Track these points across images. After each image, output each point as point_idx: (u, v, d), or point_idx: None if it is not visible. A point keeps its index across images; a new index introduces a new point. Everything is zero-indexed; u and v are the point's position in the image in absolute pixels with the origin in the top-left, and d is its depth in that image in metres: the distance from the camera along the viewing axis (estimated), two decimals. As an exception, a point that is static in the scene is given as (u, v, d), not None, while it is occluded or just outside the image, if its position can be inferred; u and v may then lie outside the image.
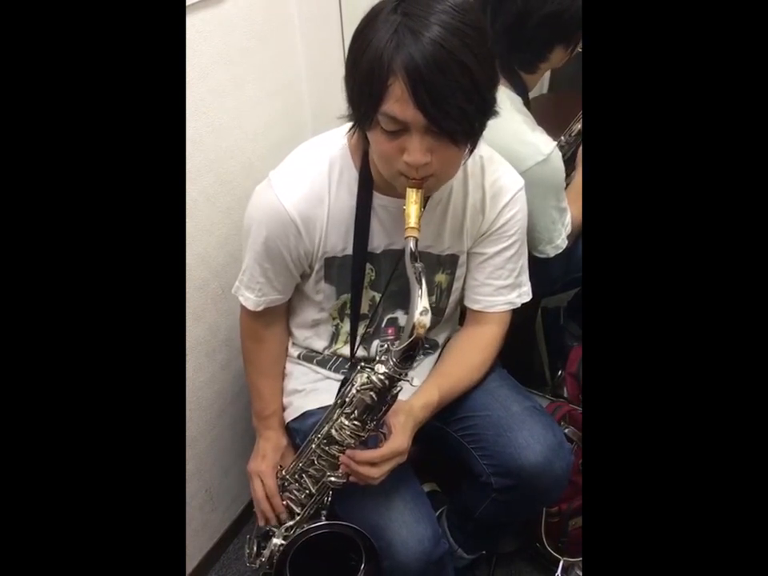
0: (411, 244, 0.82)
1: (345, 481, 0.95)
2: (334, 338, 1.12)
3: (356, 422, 0.91)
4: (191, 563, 1.38)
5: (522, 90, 1.20)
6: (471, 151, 0.87)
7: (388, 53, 0.74)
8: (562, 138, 1.38)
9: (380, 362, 0.87)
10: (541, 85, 2.20)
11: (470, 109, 0.78)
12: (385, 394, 0.88)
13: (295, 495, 1.03)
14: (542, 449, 1.01)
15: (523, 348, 1.72)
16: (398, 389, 0.89)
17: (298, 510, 1.03)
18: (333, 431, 0.93)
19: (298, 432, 1.12)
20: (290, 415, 1.14)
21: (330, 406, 0.97)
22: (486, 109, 0.81)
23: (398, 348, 0.84)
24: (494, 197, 1.02)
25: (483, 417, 1.07)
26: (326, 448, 0.95)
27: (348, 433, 0.91)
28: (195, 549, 1.40)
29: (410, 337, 0.80)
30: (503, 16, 1.11)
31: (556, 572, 1.35)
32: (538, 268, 1.24)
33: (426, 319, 0.79)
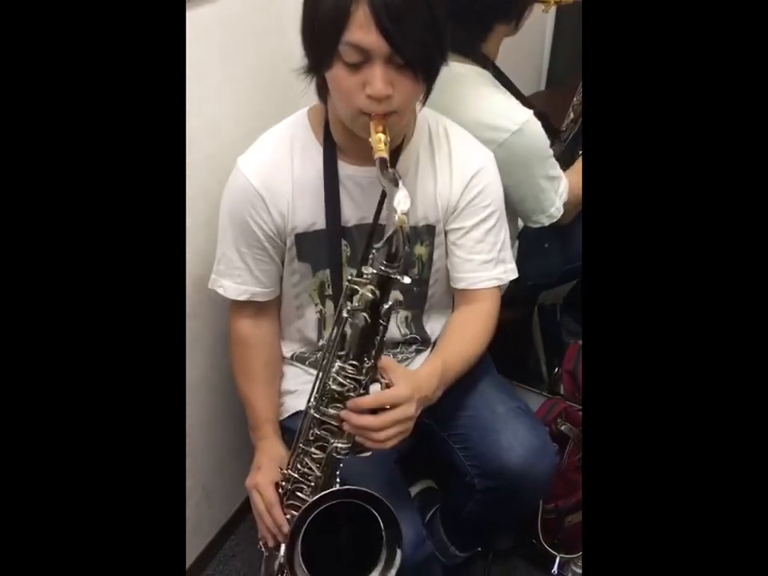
0: (382, 155, 0.82)
1: (351, 444, 0.88)
2: (322, 325, 1.11)
3: (352, 362, 0.84)
4: (187, 561, 1.38)
5: (486, 62, 1.19)
6: (427, 92, 0.90)
7: None
8: (571, 113, 1.36)
9: (367, 266, 0.82)
10: (538, 82, 2.20)
11: (429, 40, 0.82)
12: (377, 310, 0.82)
13: (298, 498, 0.95)
14: (524, 451, 1.01)
15: (520, 345, 1.72)
16: (389, 303, 0.83)
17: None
18: (329, 382, 0.87)
19: (287, 430, 1.11)
20: (281, 414, 1.13)
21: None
22: (443, 46, 0.85)
23: (381, 244, 0.79)
24: (461, 168, 1.02)
25: (469, 417, 1.07)
26: (326, 409, 0.88)
27: (345, 377, 0.85)
28: (191, 546, 1.39)
29: (391, 228, 0.77)
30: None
31: (552, 569, 1.36)
32: (536, 257, 1.24)
33: (407, 204, 0.76)
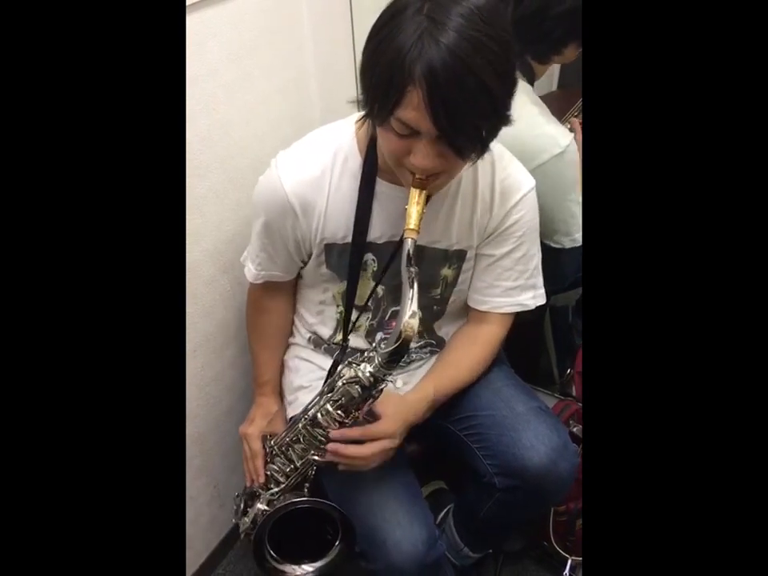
0: (409, 245, 0.82)
1: (327, 461, 0.97)
2: (338, 325, 1.12)
3: (340, 411, 0.92)
4: (198, 559, 1.39)
5: (530, 78, 1.19)
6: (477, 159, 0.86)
7: (411, 58, 0.72)
8: (576, 120, 1.36)
9: (366, 360, 0.88)
10: (550, 82, 2.19)
11: (484, 126, 0.78)
12: (370, 389, 0.89)
13: (279, 467, 1.05)
14: (546, 450, 1.00)
15: (531, 346, 1.71)
16: (384, 384, 0.89)
17: (282, 480, 1.05)
18: (318, 415, 0.95)
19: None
20: (295, 410, 1.13)
21: None
22: (500, 124, 0.80)
23: (385, 350, 0.84)
24: (502, 194, 1.00)
25: (487, 416, 1.07)
26: (311, 430, 0.97)
27: (332, 419, 0.93)
28: (202, 545, 1.40)
29: (396, 340, 0.81)
30: (523, 6, 1.10)
31: (563, 571, 1.35)
32: (550, 263, 1.23)
33: (415, 322, 0.80)
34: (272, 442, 1.07)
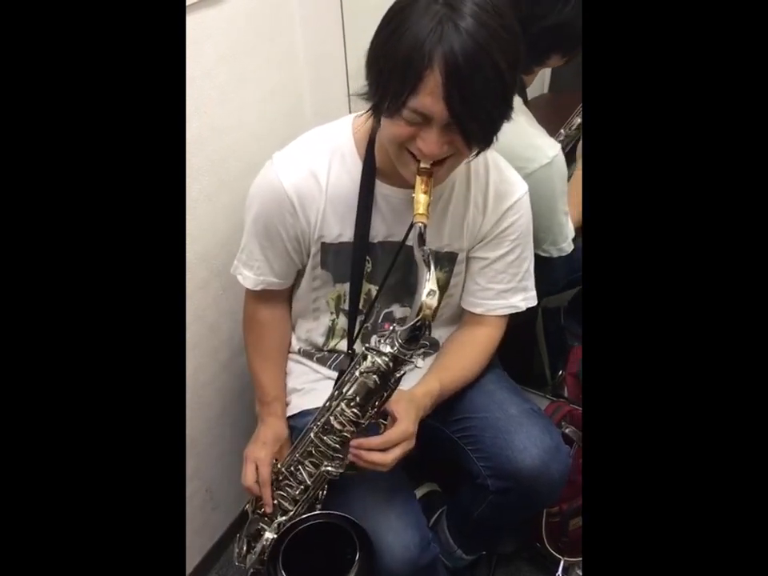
0: (419, 229, 0.82)
1: (342, 471, 0.94)
2: (330, 333, 1.12)
3: (356, 410, 0.89)
4: (191, 563, 1.38)
5: (520, 88, 1.20)
6: (481, 151, 0.87)
7: (431, 43, 0.73)
8: (562, 131, 1.38)
9: (385, 342, 0.86)
10: (541, 85, 2.21)
11: (495, 113, 0.79)
12: (388, 378, 0.87)
13: (288, 492, 1.01)
14: (538, 452, 1.00)
15: (524, 348, 1.72)
16: (402, 372, 0.87)
17: (290, 508, 1.01)
18: (331, 418, 0.92)
19: (293, 429, 1.12)
20: (289, 412, 1.13)
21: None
22: (508, 114, 0.82)
23: (404, 328, 0.83)
24: (496, 198, 1.01)
25: (481, 418, 1.07)
26: (324, 437, 0.93)
27: (347, 419, 0.90)
28: (195, 548, 1.39)
29: (416, 316, 0.80)
30: None
31: (556, 572, 1.35)
32: (542, 267, 1.24)
33: (433, 300, 0.78)
34: (279, 465, 1.02)
